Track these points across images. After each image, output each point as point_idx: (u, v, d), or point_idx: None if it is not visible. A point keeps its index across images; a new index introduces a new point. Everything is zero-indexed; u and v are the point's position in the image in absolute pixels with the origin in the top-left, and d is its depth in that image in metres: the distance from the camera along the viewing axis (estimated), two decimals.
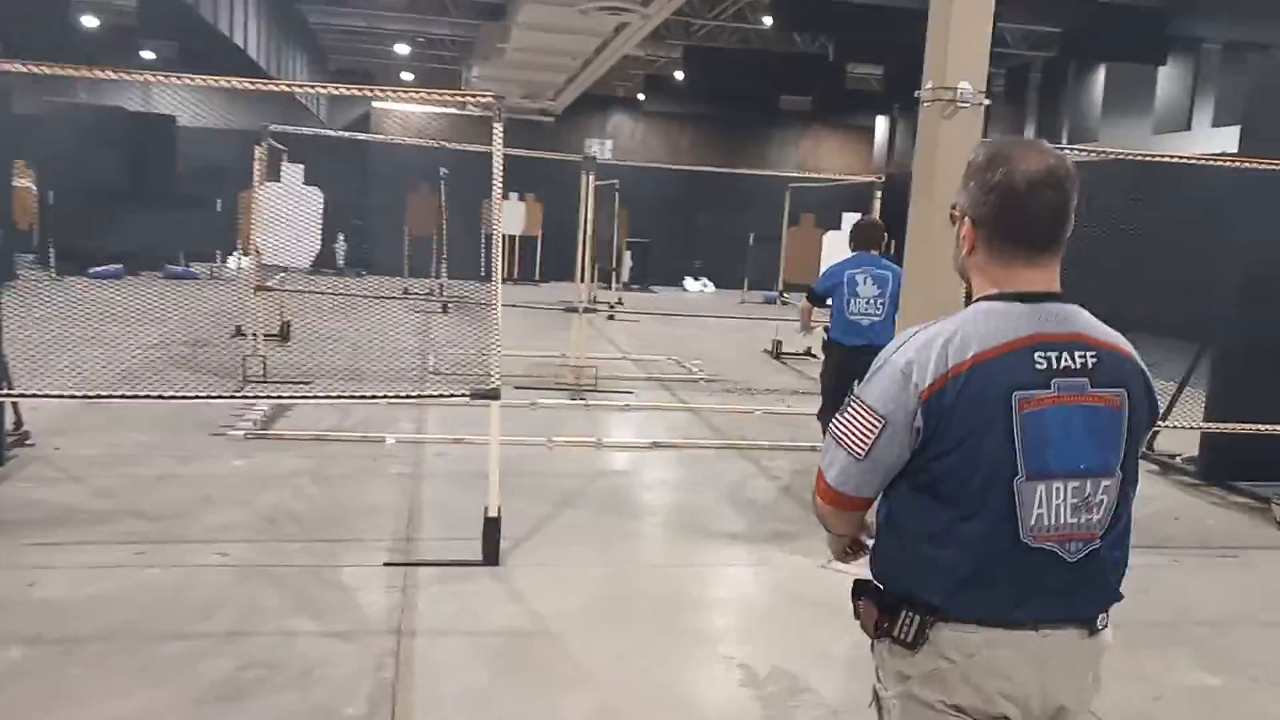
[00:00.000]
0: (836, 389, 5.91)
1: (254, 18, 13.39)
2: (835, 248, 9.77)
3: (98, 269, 16.63)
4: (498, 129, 4.83)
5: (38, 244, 18.45)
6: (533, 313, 12.77)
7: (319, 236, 8.80)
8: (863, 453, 1.66)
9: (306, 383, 9.02)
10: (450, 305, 16.15)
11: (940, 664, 1.66)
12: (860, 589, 1.77)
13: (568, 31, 13.67)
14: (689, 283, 23.46)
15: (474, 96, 4.97)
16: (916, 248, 5.05)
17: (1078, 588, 1.65)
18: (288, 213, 8.62)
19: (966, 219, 1.71)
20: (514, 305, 14.73)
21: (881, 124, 23.41)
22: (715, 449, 7.48)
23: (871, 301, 6.03)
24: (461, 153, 22.30)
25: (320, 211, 8.80)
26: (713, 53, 17.56)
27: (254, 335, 9.01)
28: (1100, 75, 14.62)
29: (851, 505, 1.75)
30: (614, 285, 19.18)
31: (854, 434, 1.67)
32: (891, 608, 1.69)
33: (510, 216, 21.43)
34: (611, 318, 15.82)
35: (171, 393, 7.11)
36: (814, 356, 12.69)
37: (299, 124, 21.63)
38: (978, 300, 1.70)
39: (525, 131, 22.80)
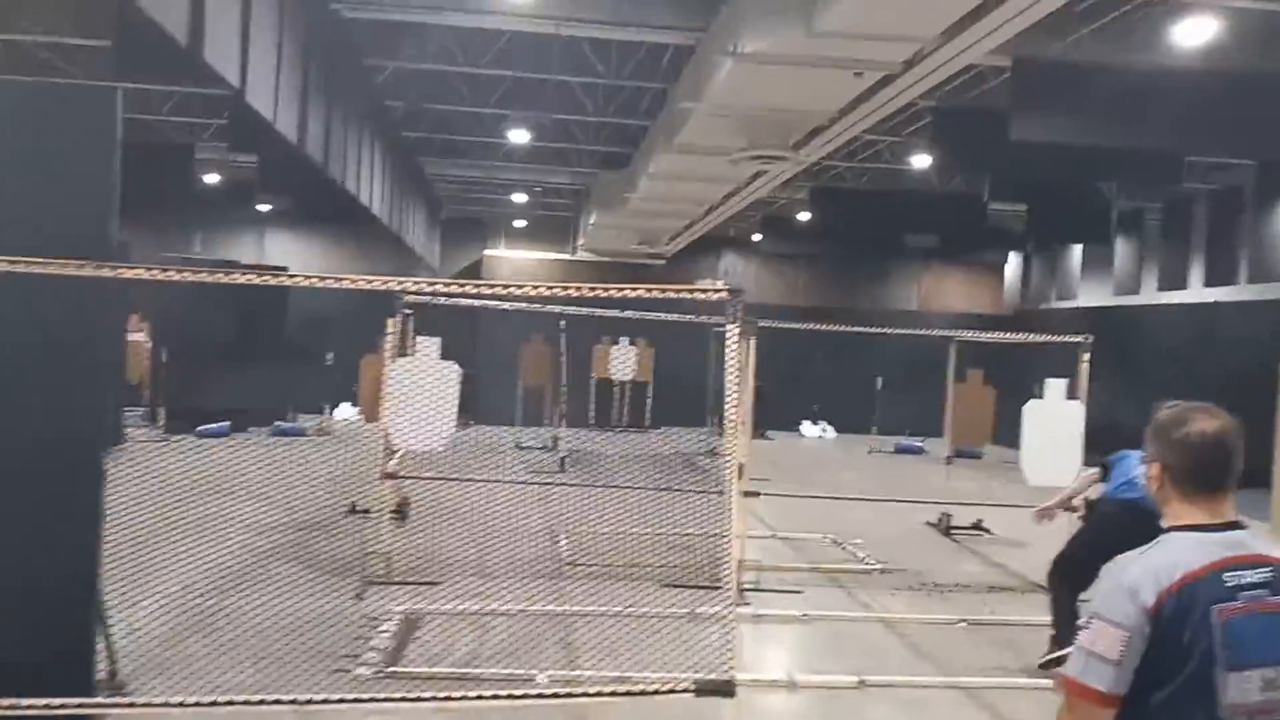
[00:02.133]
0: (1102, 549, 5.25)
1: (375, 170, 13.00)
2: (1042, 421, 8.40)
3: (206, 427, 16.11)
4: (732, 330, 3.75)
5: (149, 399, 18.18)
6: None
7: (454, 418, 7.82)
8: (1117, 658, 2.10)
9: (436, 583, 7.93)
10: (567, 460, 15.12)
11: None
12: None
13: (702, 180, 12.92)
14: (806, 427, 22.09)
15: (706, 291, 3.92)
16: None
17: None
18: (422, 392, 7.69)
19: (1158, 463, 2.26)
20: (634, 455, 13.80)
21: (1014, 261, 22.13)
22: (934, 687, 6.04)
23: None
24: (569, 299, 21.86)
25: (458, 389, 7.84)
26: (839, 193, 16.71)
27: (377, 527, 7.98)
28: None
29: (1105, 703, 2.12)
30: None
31: (1106, 644, 2.11)
32: None
33: (620, 362, 20.61)
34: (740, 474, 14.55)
35: (282, 608, 6.12)
36: (986, 531, 11.17)
37: (412, 269, 21.45)
38: (1173, 528, 2.22)
39: (635, 274, 22.20)
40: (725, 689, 3.56)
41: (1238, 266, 14.10)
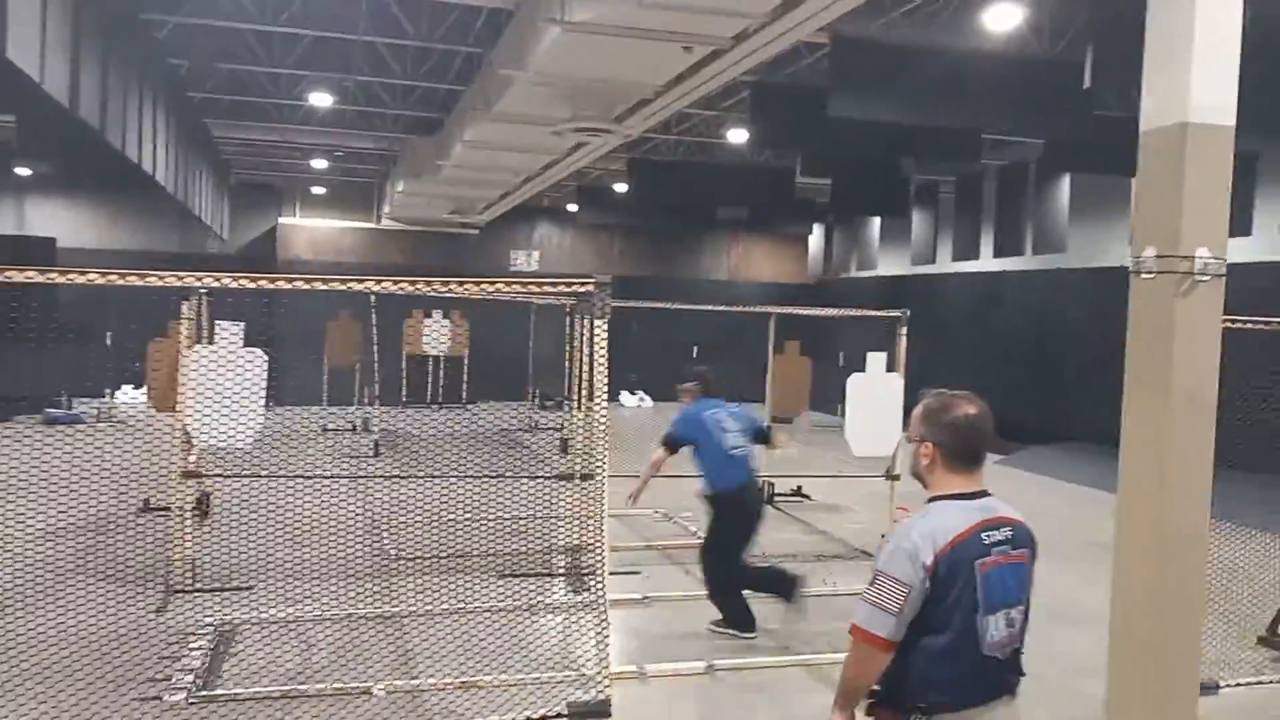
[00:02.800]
0: (735, 534, 6.36)
1: (158, 133, 11.79)
2: (864, 393, 8.62)
3: None
4: (600, 326, 3.50)
5: None
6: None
7: (261, 411, 7.16)
8: (897, 609, 2.50)
9: (248, 588, 7.30)
10: (381, 443, 14.42)
11: None
12: (877, 705, 2.63)
13: (520, 150, 12.48)
14: (625, 397, 22.20)
15: (571, 285, 3.64)
16: (1135, 437, 3.96)
17: (1008, 675, 2.64)
18: (224, 384, 6.98)
19: (929, 443, 2.65)
20: (450, 434, 13.21)
21: (818, 232, 22.92)
22: (783, 667, 6.07)
23: (739, 435, 6.40)
24: (377, 268, 20.83)
25: (264, 379, 7.18)
26: (656, 165, 16.65)
27: (179, 529, 7.26)
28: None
29: (887, 648, 2.53)
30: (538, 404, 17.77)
31: (889, 598, 2.50)
32: (906, 712, 2.57)
33: (435, 336, 19.90)
34: (564, 449, 14.38)
35: (74, 627, 5.44)
36: (807, 498, 11.50)
37: (198, 243, 19.84)
38: (938, 497, 2.64)
39: (447, 244, 21.47)
40: (601, 710, 3.33)
41: (1023, 238, 15.06)
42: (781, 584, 6.49)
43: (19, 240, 17.42)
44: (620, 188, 18.66)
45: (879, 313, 9.22)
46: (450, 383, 20.27)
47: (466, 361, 20.03)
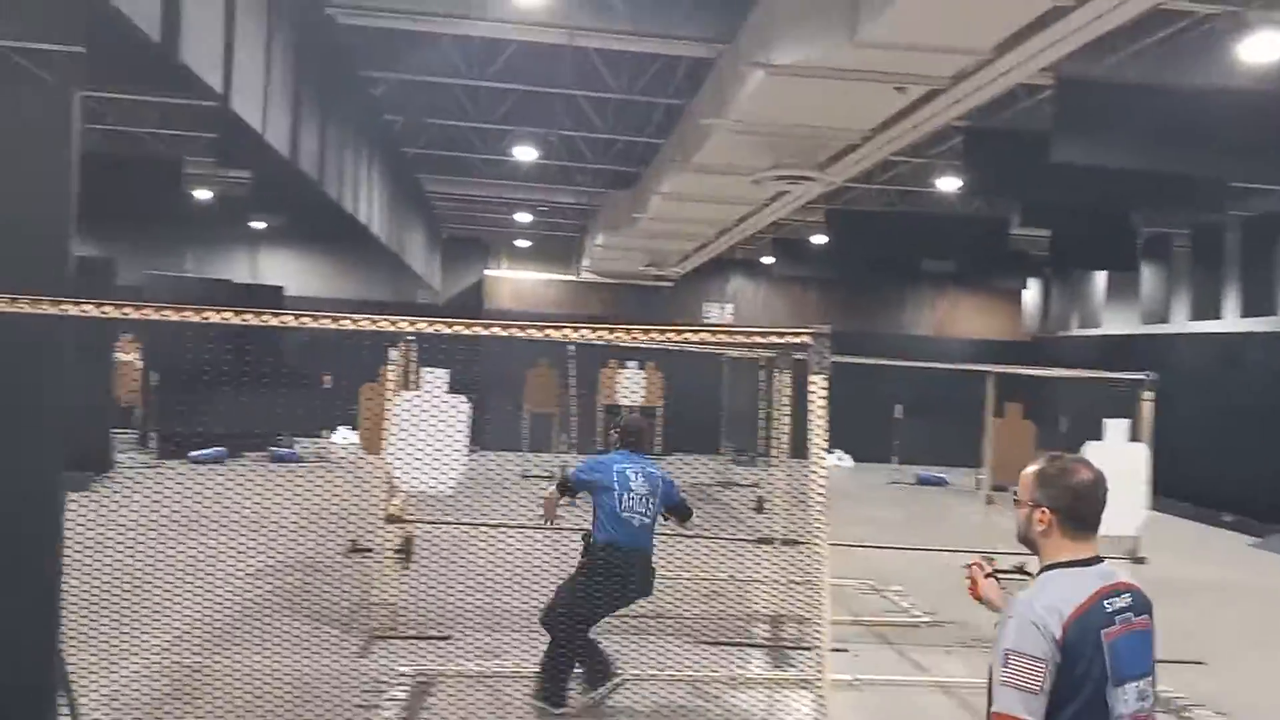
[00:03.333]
0: (588, 593, 5.65)
1: (374, 186, 12.41)
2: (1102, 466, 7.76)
3: (199, 453, 15.45)
4: (819, 381, 3.16)
5: (140, 423, 17.50)
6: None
7: (464, 458, 7.18)
8: (1039, 687, 2.36)
9: (445, 638, 7.28)
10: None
11: None
12: None
13: (718, 201, 12.34)
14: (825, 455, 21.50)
15: (784, 335, 3.31)
16: None
17: None
18: (428, 430, 7.06)
19: (1044, 509, 2.56)
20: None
21: (1034, 286, 21.56)
22: None
23: (643, 500, 5.74)
24: (576, 320, 21.22)
25: (467, 426, 7.21)
26: (857, 215, 16.15)
27: (381, 574, 7.35)
28: None
29: None
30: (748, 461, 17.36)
31: (1028, 677, 2.37)
32: None
33: (629, 386, 19.99)
34: (760, 508, 13.92)
35: (278, 668, 5.48)
36: (1030, 576, 10.54)
37: (409, 293, 20.85)
38: (1053, 565, 2.53)
39: (643, 296, 21.63)
40: None
41: (1275, 297, 13.53)
42: (598, 666, 5.88)
43: (251, 289, 18.80)
44: (818, 239, 18.22)
45: (1120, 374, 8.34)
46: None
47: (661, 413, 19.99)
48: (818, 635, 3.64)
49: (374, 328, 5.32)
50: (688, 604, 7.91)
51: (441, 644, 7.12)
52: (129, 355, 17.56)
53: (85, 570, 5.15)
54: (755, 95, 8.08)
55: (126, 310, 3.17)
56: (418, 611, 7.62)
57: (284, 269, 21.04)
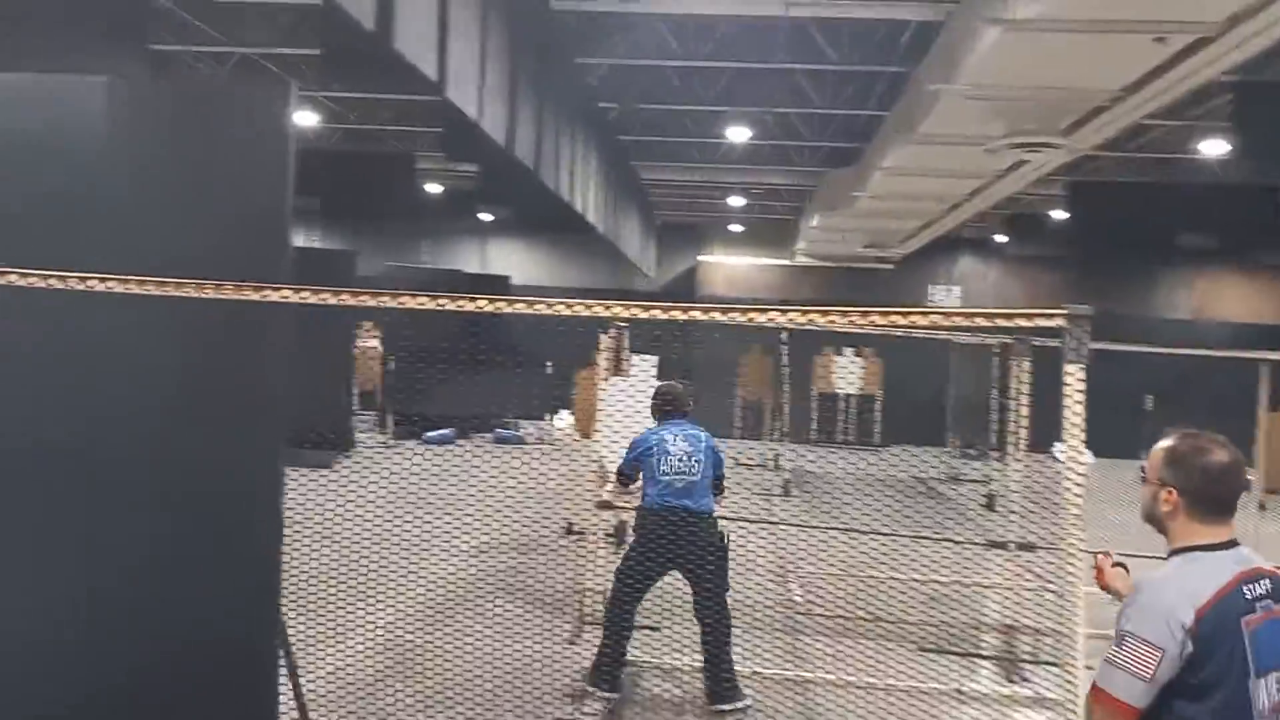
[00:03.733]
0: (644, 569, 5.56)
1: (591, 175, 12.49)
2: None
3: (432, 434, 16.23)
4: (1072, 371, 2.69)
5: (380, 405, 18.64)
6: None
7: None
8: (1149, 675, 2.22)
9: (655, 628, 7.14)
10: (791, 482, 14.06)
11: None
12: None
13: (946, 174, 11.56)
14: (1059, 449, 19.92)
15: (1042, 318, 2.85)
16: None
17: None
18: (636, 416, 6.94)
19: (1173, 489, 2.38)
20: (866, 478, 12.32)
21: None
22: None
23: (685, 459, 5.62)
24: (791, 305, 20.72)
25: None
26: (1104, 187, 14.74)
27: (592, 559, 7.31)
28: None
29: (1131, 716, 2.26)
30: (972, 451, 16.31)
31: (1140, 662, 2.22)
32: None
33: (846, 374, 19.36)
34: (990, 505, 13.02)
35: (492, 650, 5.49)
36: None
37: (626, 280, 21.07)
38: (1184, 548, 2.37)
39: (860, 279, 20.81)
40: None
41: None
42: (612, 665, 5.59)
43: (478, 278, 19.56)
44: (1058, 215, 16.82)
45: None
46: (862, 423, 19.58)
47: (879, 402, 19.22)
48: (1070, 651, 3.17)
49: (581, 313, 5.20)
50: (908, 609, 7.40)
51: (650, 634, 6.99)
52: (370, 342, 18.74)
53: (318, 543, 5.36)
54: (989, 55, 7.38)
55: (346, 298, 3.16)
56: None
57: (510, 259, 21.79)
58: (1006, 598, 6.75)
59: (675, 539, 5.46)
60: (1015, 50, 7.16)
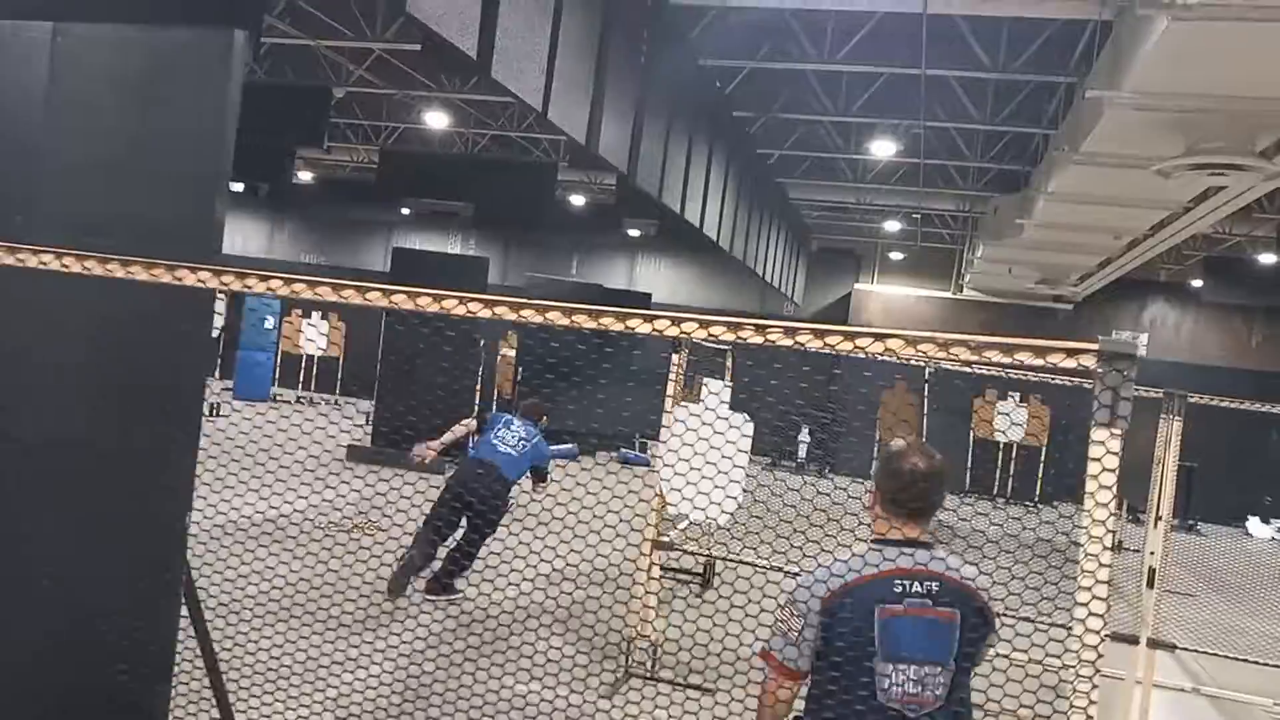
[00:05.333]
0: (449, 496, 7.26)
1: (724, 194, 11.73)
2: None
3: (553, 448, 15.83)
4: (1100, 437, 1.75)
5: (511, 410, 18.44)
6: None
7: (741, 484, 6.15)
8: (795, 638, 2.53)
9: (711, 690, 6.28)
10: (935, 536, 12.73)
11: None
12: None
13: (1117, 202, 10.10)
14: (1254, 525, 17.52)
15: (1055, 352, 1.88)
16: None
17: None
18: (702, 448, 6.13)
19: (875, 486, 2.67)
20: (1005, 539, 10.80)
21: None
22: None
23: (513, 438, 7.42)
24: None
25: (747, 451, 6.17)
26: None
27: (641, 606, 6.51)
28: None
29: (790, 676, 2.56)
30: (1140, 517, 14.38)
31: (787, 625, 2.55)
32: None
33: (1007, 420, 17.66)
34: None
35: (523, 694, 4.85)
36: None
37: (776, 306, 20.10)
38: (873, 539, 2.62)
39: (1032, 319, 19.02)
40: None
41: None
42: (402, 573, 7.02)
43: (623, 293, 19.13)
44: (1268, 259, 14.69)
45: None
46: (1024, 476, 17.81)
47: (1044, 453, 17.42)
48: None
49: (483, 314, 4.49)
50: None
51: (702, 695, 6.13)
52: (509, 350, 18.60)
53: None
54: (1157, 53, 6.18)
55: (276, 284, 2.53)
56: (683, 650, 6.69)
57: (655, 277, 21.27)
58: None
59: (470, 486, 7.10)
60: (1189, 46, 5.96)
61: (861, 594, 2.46)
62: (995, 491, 18.02)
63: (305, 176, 21.19)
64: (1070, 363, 1.83)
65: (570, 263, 21.95)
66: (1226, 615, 10.32)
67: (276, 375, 19.18)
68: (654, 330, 2.22)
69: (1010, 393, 17.61)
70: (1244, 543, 16.83)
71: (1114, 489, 1.85)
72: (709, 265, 20.60)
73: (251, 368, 18.09)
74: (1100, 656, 2.11)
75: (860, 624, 2.45)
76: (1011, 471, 17.96)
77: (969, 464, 18.14)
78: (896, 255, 20.47)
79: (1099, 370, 1.75)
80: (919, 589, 2.48)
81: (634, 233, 20.43)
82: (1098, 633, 1.95)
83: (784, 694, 2.55)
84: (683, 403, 6.51)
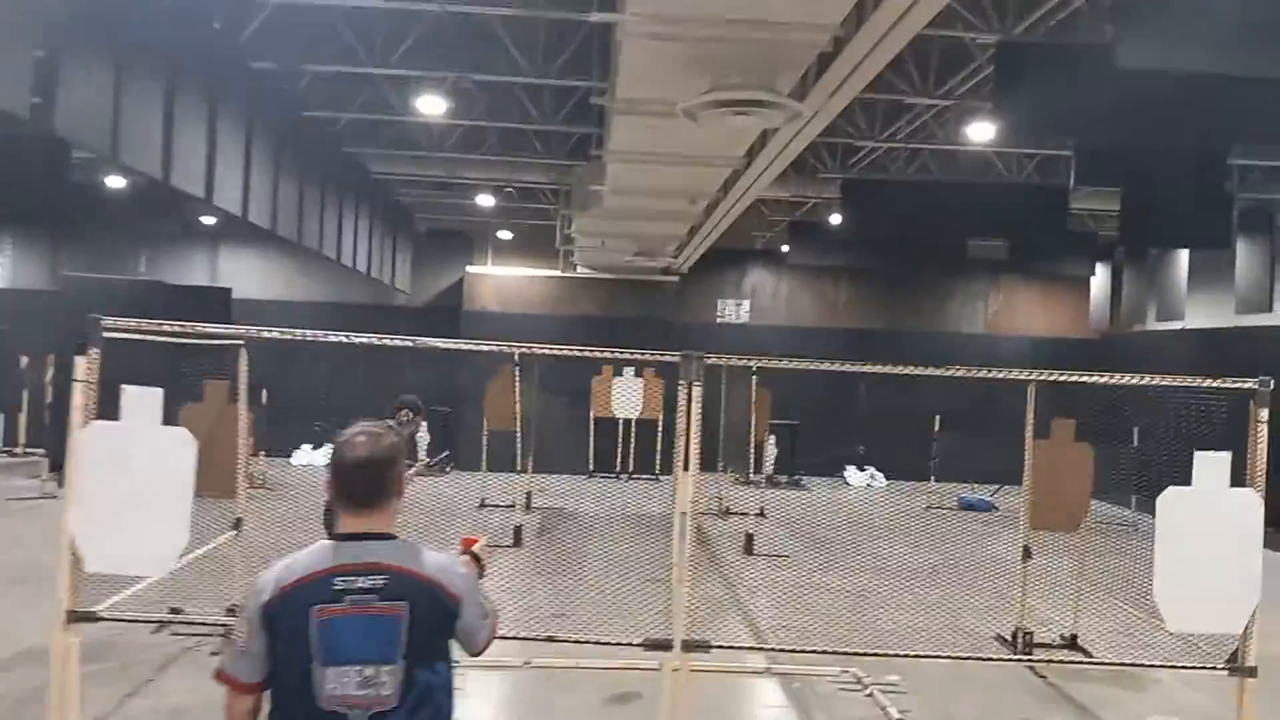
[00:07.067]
0: None
1: (276, 179, 9.98)
2: (1187, 524, 4.86)
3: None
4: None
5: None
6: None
7: (186, 519, 4.63)
8: (242, 648, 2.35)
9: None
10: (525, 527, 11.81)
11: None
12: None
13: (681, 160, 9.57)
14: (851, 474, 18.51)
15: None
16: None
17: None
18: (125, 478, 4.52)
19: (329, 480, 2.45)
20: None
21: (1101, 273, 18.20)
22: None
23: None
24: (565, 321, 18.57)
25: (191, 475, 4.65)
26: (874, 186, 13.26)
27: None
28: None
29: (244, 690, 2.38)
30: (751, 476, 14.54)
31: (239, 633, 2.37)
32: None
33: (625, 397, 17.34)
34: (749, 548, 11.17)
35: None
36: (1085, 654, 7.59)
37: (388, 296, 18.44)
38: (333, 534, 2.44)
39: (645, 293, 18.90)
40: None
41: None
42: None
43: (190, 290, 16.66)
44: (836, 219, 15.27)
45: (1213, 382, 5.40)
46: (643, 450, 17.60)
47: (660, 426, 17.26)
48: None
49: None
50: None
51: None
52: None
53: None
54: None
55: None
56: None
57: (242, 271, 18.91)
58: None
59: None
60: None
61: (298, 596, 2.33)
62: (619, 469, 17.71)
63: None
64: None
65: (138, 259, 18.94)
66: (813, 575, 10.28)
67: None
68: None
69: (626, 368, 17.31)
70: (843, 492, 17.69)
71: None
72: (303, 256, 18.52)
73: None
74: None
75: (299, 627, 2.31)
76: (633, 447, 17.71)
77: (592, 443, 17.70)
78: (505, 234, 19.54)
79: None
80: (363, 585, 2.34)
81: (209, 220, 17.89)
82: None
83: (240, 707, 2.41)
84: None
